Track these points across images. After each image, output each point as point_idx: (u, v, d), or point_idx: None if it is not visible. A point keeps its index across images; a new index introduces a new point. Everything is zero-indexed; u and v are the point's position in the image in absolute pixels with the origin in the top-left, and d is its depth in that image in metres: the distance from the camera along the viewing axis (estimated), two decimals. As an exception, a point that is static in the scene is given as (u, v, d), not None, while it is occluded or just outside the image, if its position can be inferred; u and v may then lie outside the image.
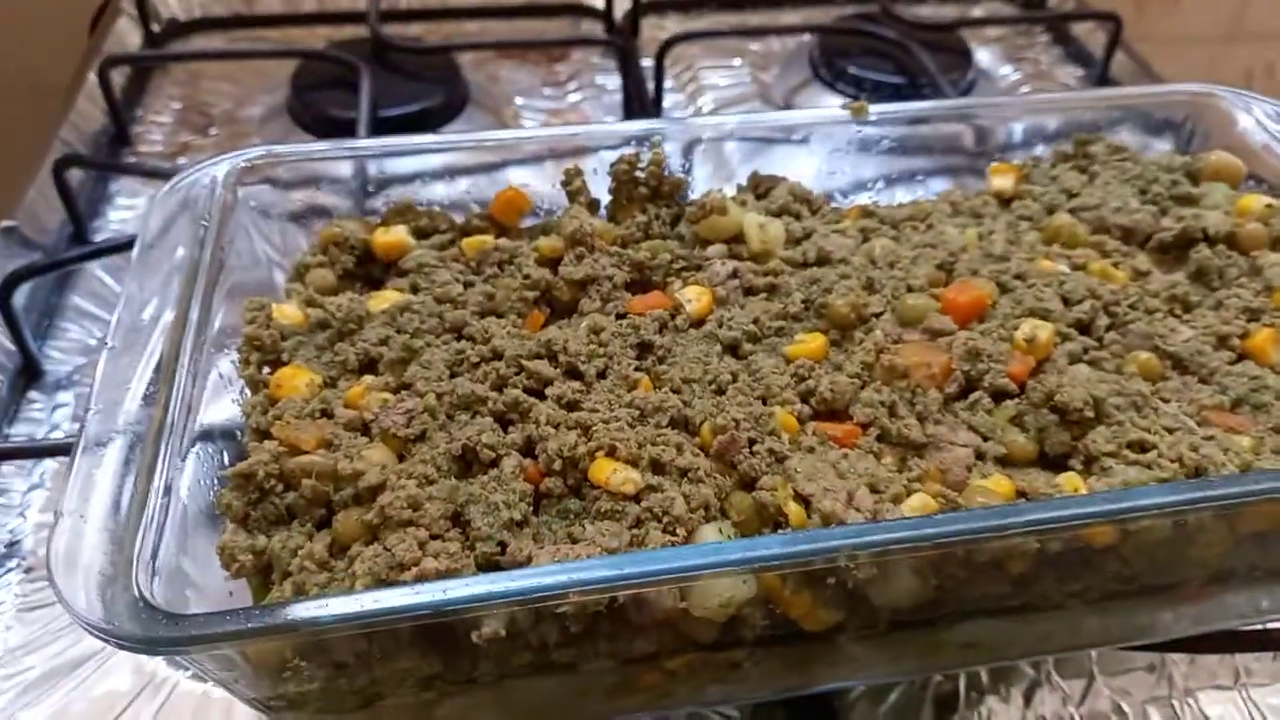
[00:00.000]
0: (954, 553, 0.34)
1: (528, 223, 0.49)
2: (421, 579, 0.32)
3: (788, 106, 0.88)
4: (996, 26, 0.96)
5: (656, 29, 0.99)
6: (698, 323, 0.43)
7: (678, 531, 0.34)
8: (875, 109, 0.50)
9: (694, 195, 0.49)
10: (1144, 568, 0.37)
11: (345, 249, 0.45)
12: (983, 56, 0.96)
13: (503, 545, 0.34)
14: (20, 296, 0.58)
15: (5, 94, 0.98)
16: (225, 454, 0.38)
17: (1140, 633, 0.43)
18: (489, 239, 0.45)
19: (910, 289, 0.44)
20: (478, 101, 0.85)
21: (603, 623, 0.33)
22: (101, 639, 0.28)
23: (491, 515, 0.34)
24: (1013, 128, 0.53)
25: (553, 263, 0.45)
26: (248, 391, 0.40)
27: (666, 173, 0.48)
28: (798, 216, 0.48)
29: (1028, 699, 0.49)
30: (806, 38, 0.92)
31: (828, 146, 0.51)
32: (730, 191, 0.50)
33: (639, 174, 0.48)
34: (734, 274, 0.45)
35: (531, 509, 0.36)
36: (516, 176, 0.50)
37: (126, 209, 0.74)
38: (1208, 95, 0.52)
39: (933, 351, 0.40)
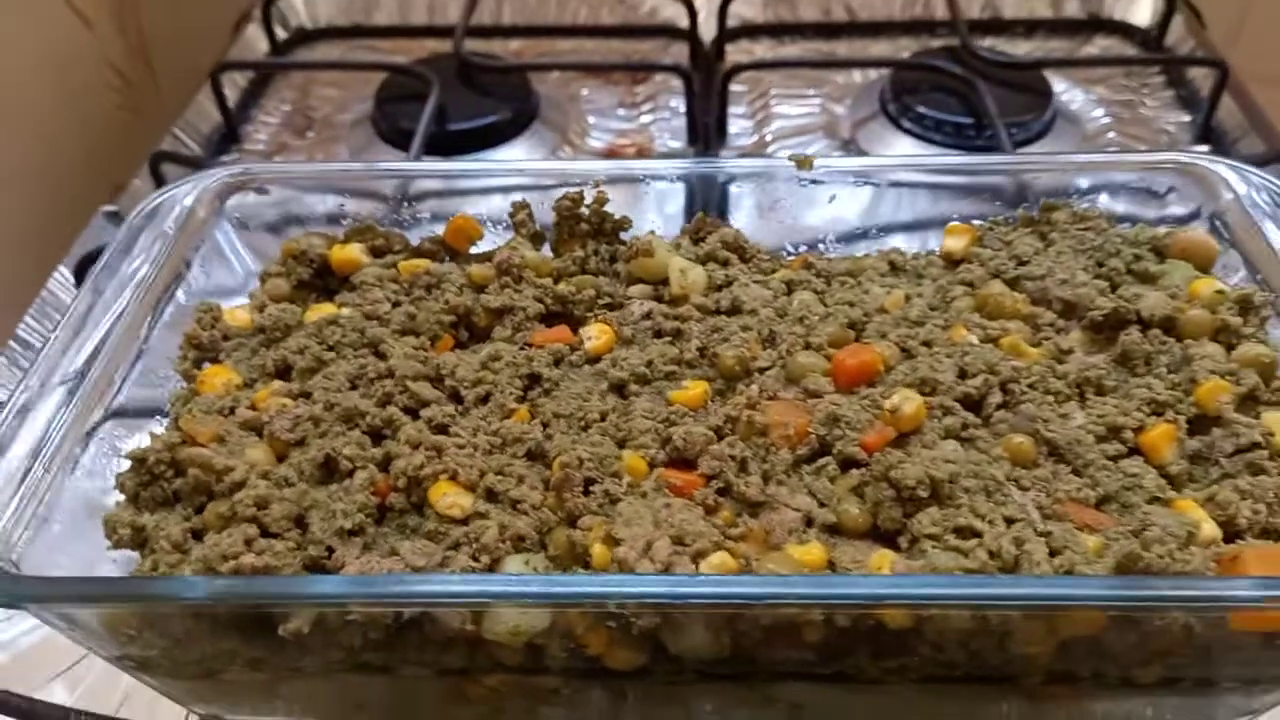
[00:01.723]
0: (737, 614, 0.34)
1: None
2: (237, 573, 0.35)
3: (851, 141, 0.87)
4: (1086, 68, 0.91)
5: (743, 53, 1.00)
6: (594, 359, 0.45)
7: (481, 558, 0.36)
8: (820, 163, 0.50)
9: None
10: (960, 657, 0.36)
11: (304, 262, 0.50)
12: (1074, 97, 0.91)
13: (331, 550, 0.37)
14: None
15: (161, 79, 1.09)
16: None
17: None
18: (423, 262, 0.49)
19: (809, 346, 0.44)
20: (545, 118, 0.89)
21: (403, 634, 0.36)
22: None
23: (327, 521, 0.38)
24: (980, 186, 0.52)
25: (482, 289, 0.48)
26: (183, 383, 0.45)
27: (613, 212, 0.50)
28: (725, 264, 0.49)
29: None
30: (884, 71, 0.91)
31: (777, 195, 0.52)
32: (673, 234, 0.51)
33: (582, 211, 0.50)
34: (648, 315, 0.47)
35: (376, 521, 0.39)
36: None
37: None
38: (1193, 165, 0.48)
39: (796, 412, 0.41)
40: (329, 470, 0.40)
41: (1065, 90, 0.92)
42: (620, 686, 0.39)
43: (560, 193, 0.49)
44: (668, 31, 1.01)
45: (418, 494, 0.39)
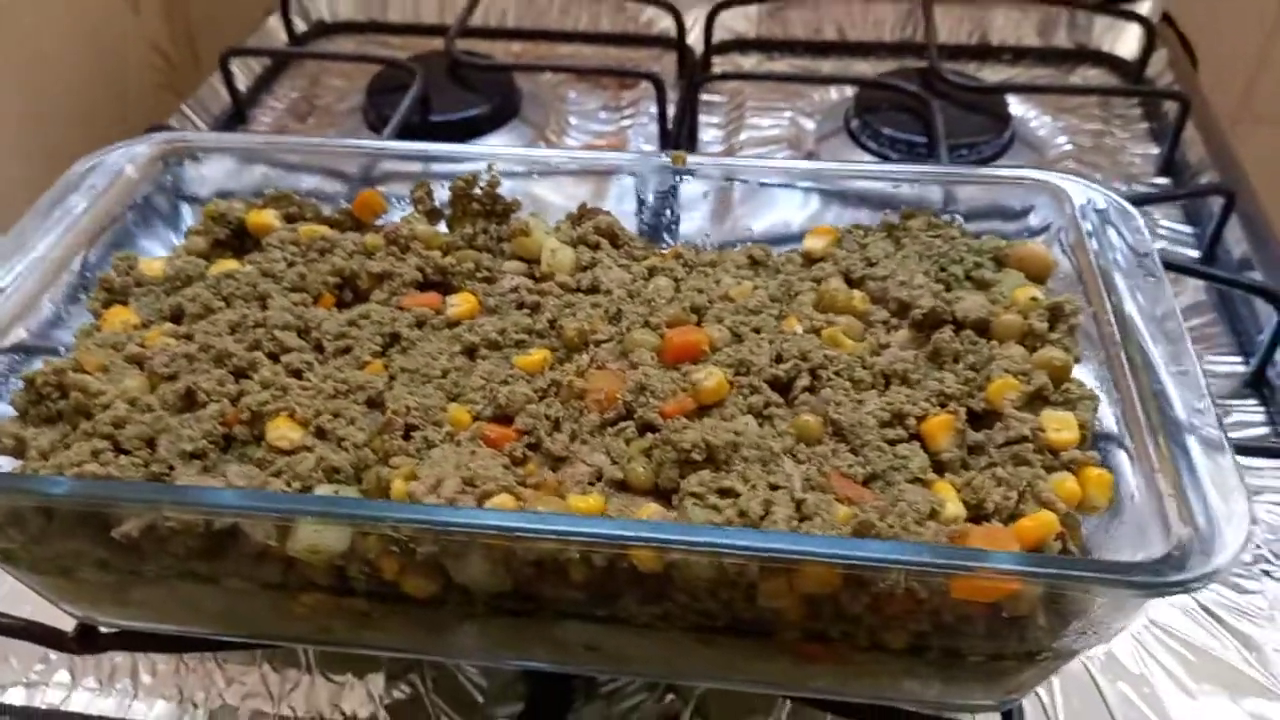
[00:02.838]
0: (503, 547, 0.38)
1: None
2: (79, 478, 0.40)
3: (812, 154, 0.90)
4: (1055, 94, 0.93)
5: (730, 65, 1.04)
6: (454, 324, 0.49)
7: (294, 485, 0.40)
8: (693, 159, 0.54)
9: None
10: (714, 607, 0.39)
11: (222, 223, 0.55)
12: (1043, 123, 0.93)
13: (172, 468, 0.42)
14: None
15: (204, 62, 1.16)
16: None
17: (771, 679, 0.44)
18: (321, 228, 0.53)
19: (648, 324, 0.47)
20: (526, 115, 0.94)
21: (221, 545, 0.40)
22: None
23: (173, 444, 0.42)
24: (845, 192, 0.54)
25: (371, 256, 0.52)
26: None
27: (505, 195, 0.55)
28: (595, 248, 0.53)
29: (752, 737, 0.51)
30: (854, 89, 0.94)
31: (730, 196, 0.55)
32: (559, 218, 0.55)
33: (475, 192, 0.54)
34: (515, 289, 0.51)
35: (222, 449, 0.44)
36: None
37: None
38: (1046, 181, 0.51)
39: (614, 380, 0.44)
40: (190, 401, 0.45)
41: (1035, 117, 0.94)
42: (424, 616, 0.43)
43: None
44: (661, 41, 1.05)
45: (259, 427, 0.43)
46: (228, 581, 0.43)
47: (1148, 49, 0.97)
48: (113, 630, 0.52)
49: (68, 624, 0.52)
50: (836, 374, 0.44)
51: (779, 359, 0.45)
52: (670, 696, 0.52)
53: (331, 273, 0.51)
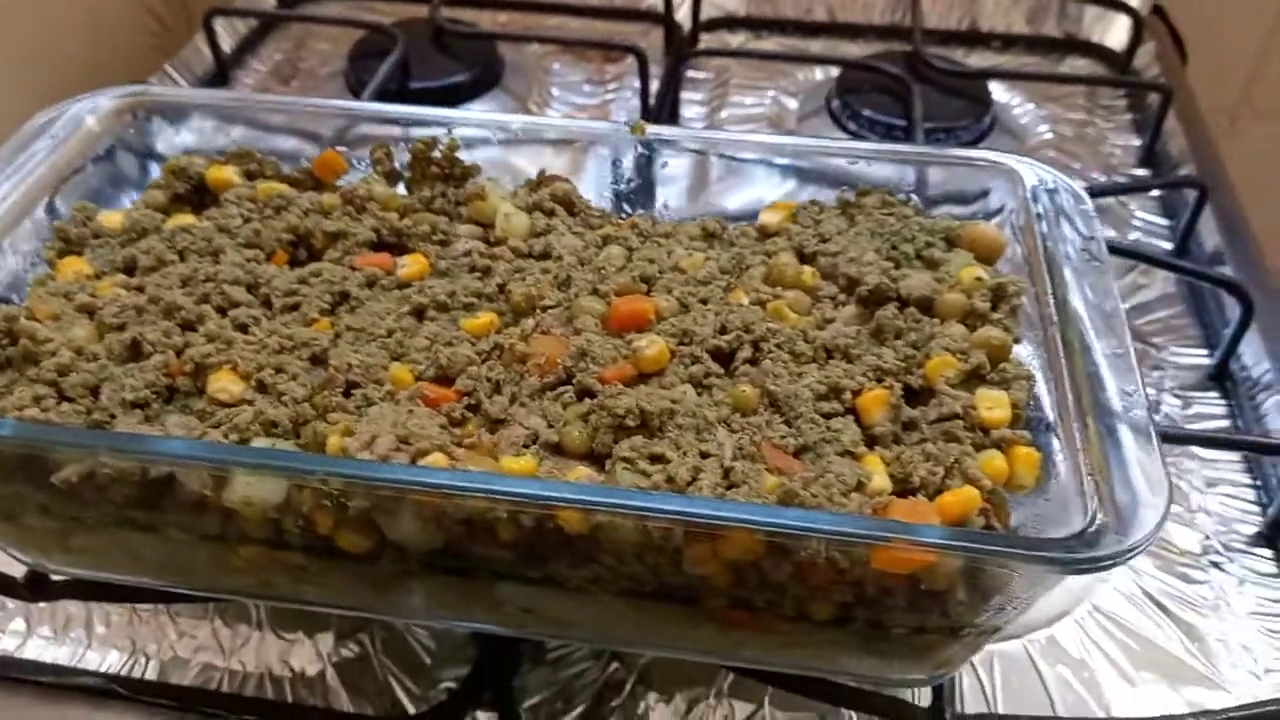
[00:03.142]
0: (439, 507, 0.38)
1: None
2: (24, 424, 0.41)
3: (792, 134, 0.90)
4: (1031, 82, 0.92)
5: (718, 42, 1.04)
6: (404, 285, 0.49)
7: (231, 436, 0.41)
8: (652, 129, 0.54)
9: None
10: (641, 571, 0.39)
11: (183, 177, 0.55)
12: (1025, 111, 0.93)
13: (113, 417, 0.42)
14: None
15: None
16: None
17: (702, 647, 0.45)
18: (279, 186, 0.54)
19: (596, 292, 0.48)
20: (507, 85, 0.94)
21: (158, 494, 0.41)
22: None
23: (115, 393, 0.43)
24: (808, 168, 0.54)
25: (328, 216, 0.53)
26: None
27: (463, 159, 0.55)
28: (550, 214, 0.53)
29: (690, 706, 0.52)
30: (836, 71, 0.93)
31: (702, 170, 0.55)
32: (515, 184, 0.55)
33: (434, 155, 0.54)
34: (467, 252, 0.51)
35: (166, 401, 0.44)
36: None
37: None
38: (1001, 163, 0.51)
39: (556, 345, 0.44)
40: (136, 351, 0.45)
41: (1019, 104, 0.94)
42: (360, 572, 0.43)
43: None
44: (649, 16, 1.05)
45: (202, 379, 0.44)
46: (167, 532, 0.43)
47: (1135, 41, 0.96)
48: (64, 579, 0.53)
49: (19, 571, 0.53)
50: (778, 346, 0.44)
51: (723, 330, 0.45)
52: (615, 665, 0.53)
53: (286, 230, 0.51)
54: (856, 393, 0.42)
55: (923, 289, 0.46)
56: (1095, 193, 0.79)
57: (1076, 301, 0.44)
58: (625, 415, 0.40)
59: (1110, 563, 0.33)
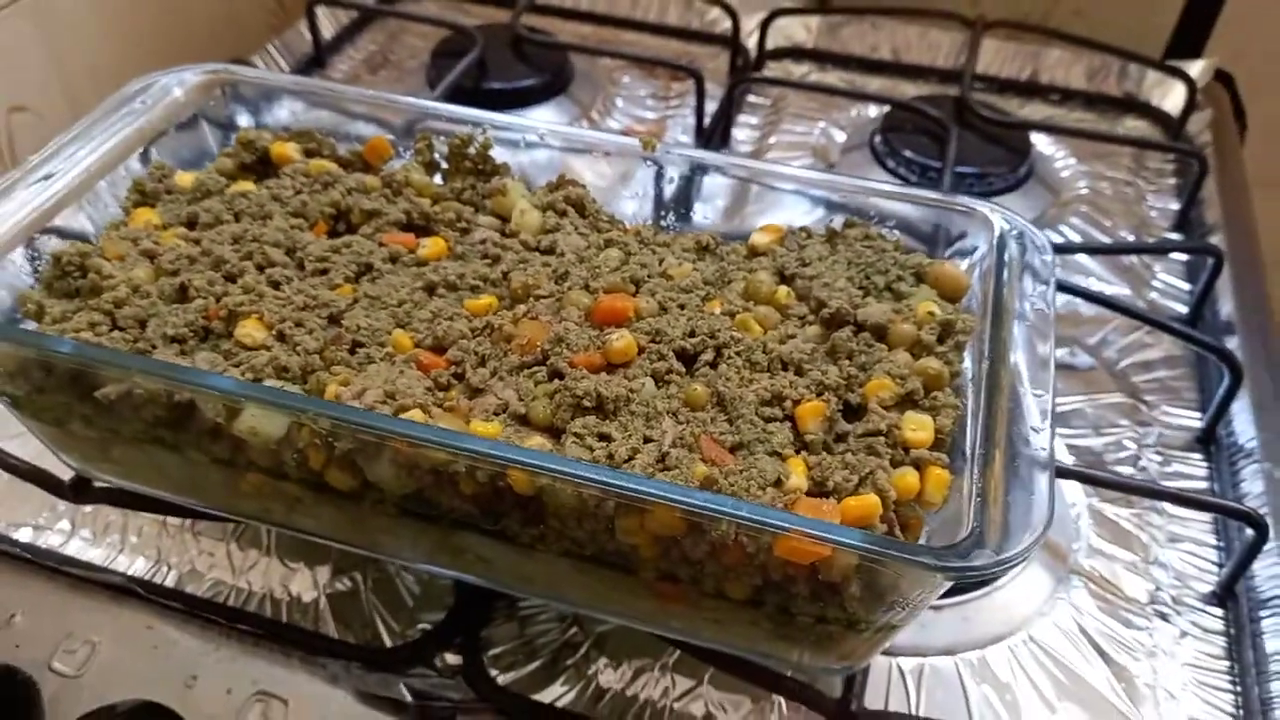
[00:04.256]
0: (411, 455, 0.44)
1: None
2: (79, 344, 0.48)
3: (834, 165, 0.94)
4: (1074, 139, 0.95)
5: (782, 71, 1.08)
6: (422, 264, 0.56)
7: (246, 375, 0.47)
8: (662, 145, 0.59)
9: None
10: (581, 535, 0.45)
11: (250, 149, 0.62)
12: (1068, 165, 0.95)
13: (154, 347, 0.49)
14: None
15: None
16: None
17: (637, 614, 0.50)
18: (329, 164, 0.60)
19: (587, 288, 0.53)
20: (573, 93, 1.00)
21: (182, 418, 0.48)
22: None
23: (159, 327, 0.50)
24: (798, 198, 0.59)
25: (367, 195, 0.59)
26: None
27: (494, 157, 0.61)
28: (563, 214, 0.58)
29: (636, 674, 0.57)
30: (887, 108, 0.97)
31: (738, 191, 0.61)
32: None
33: (469, 151, 0.60)
34: (483, 241, 0.57)
35: (201, 339, 0.51)
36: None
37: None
38: (975, 209, 0.54)
39: (539, 330, 0.50)
40: (183, 294, 0.52)
41: (1062, 158, 0.96)
42: (345, 506, 0.49)
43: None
44: (720, 40, 1.10)
45: (233, 324, 0.50)
46: (187, 452, 0.50)
47: (1189, 107, 0.98)
48: (104, 486, 0.60)
49: (66, 475, 0.60)
50: (737, 354, 0.49)
51: (691, 334, 0.50)
52: (574, 629, 0.58)
53: (329, 204, 0.58)
54: (797, 402, 0.47)
55: (879, 317, 0.50)
56: (1112, 250, 0.81)
57: (1016, 345, 0.47)
58: (583, 396, 0.45)
59: (974, 573, 0.37)
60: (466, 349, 0.49)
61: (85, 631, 0.57)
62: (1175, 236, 0.89)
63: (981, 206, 0.54)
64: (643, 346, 0.49)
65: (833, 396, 0.47)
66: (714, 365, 0.49)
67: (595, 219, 0.59)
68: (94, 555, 0.61)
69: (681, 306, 0.52)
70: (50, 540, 0.62)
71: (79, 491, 0.59)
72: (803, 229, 0.58)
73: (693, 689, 0.56)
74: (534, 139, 0.61)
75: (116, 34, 0.97)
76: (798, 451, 0.46)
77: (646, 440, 0.45)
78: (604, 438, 0.45)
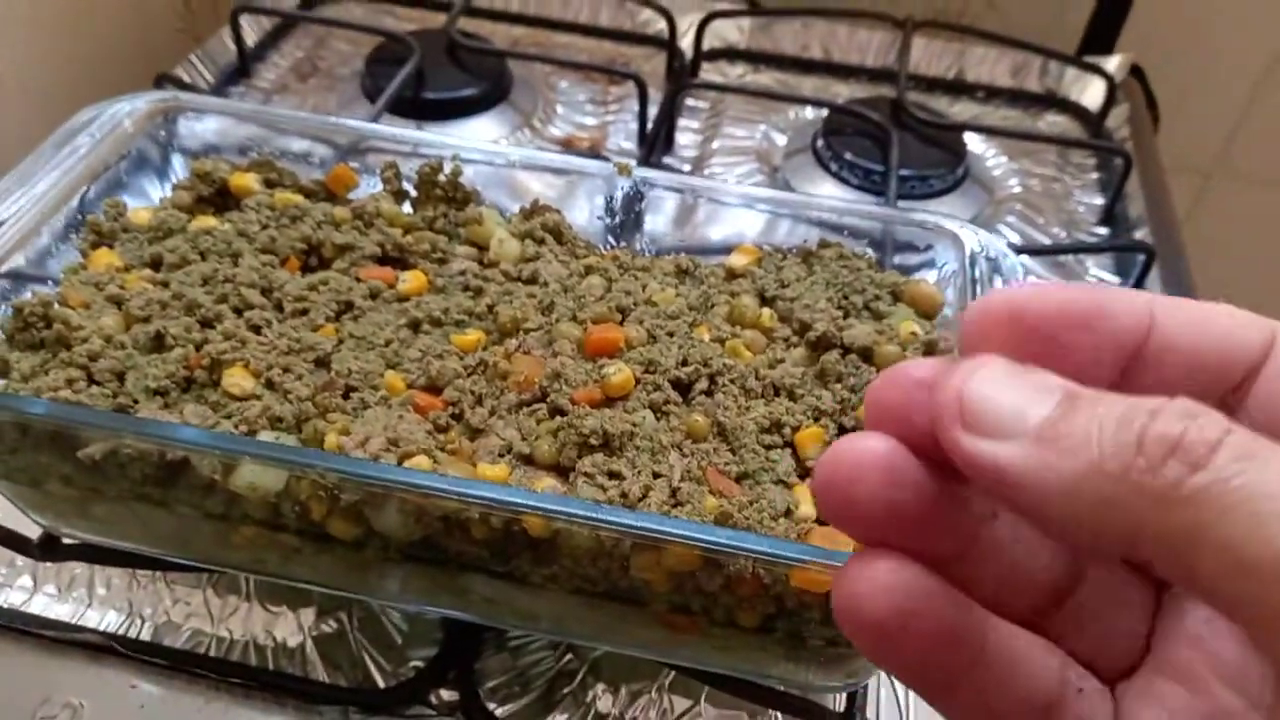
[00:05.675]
0: (420, 504, 0.44)
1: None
2: (54, 401, 0.46)
3: (777, 170, 0.95)
4: (1003, 138, 0.98)
5: (718, 73, 1.09)
6: (403, 299, 0.55)
7: (239, 428, 0.46)
8: (638, 172, 0.59)
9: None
10: (594, 573, 0.45)
11: (207, 181, 0.60)
12: (999, 164, 0.98)
13: (136, 402, 0.48)
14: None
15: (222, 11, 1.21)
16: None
17: (646, 645, 0.50)
18: (295, 197, 0.59)
19: (575, 318, 0.53)
20: (514, 101, 0.99)
21: (173, 474, 0.46)
22: None
23: (139, 380, 0.48)
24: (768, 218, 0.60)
25: (338, 228, 0.58)
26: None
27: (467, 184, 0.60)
28: (541, 242, 0.58)
29: (633, 698, 0.57)
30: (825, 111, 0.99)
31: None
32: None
33: (439, 179, 0.60)
34: (463, 272, 0.56)
35: (183, 390, 0.49)
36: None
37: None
38: (942, 225, 0.56)
39: (535, 366, 0.50)
40: (159, 343, 0.50)
41: (993, 156, 0.99)
42: (347, 555, 0.49)
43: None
44: (655, 41, 1.10)
45: (217, 373, 0.49)
46: (177, 508, 0.48)
47: (1109, 102, 1.02)
48: (74, 542, 0.58)
49: (33, 532, 0.58)
50: (731, 381, 0.50)
51: (684, 362, 0.51)
52: (569, 657, 0.58)
53: (300, 239, 0.57)
54: (796, 429, 0.48)
55: (864, 339, 0.51)
56: (1051, 251, 0.85)
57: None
58: (590, 435, 0.46)
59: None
60: (462, 388, 0.49)
61: (64, 694, 0.55)
62: (1103, 231, 0.93)
63: (951, 225, 0.56)
64: (638, 378, 0.50)
65: (829, 422, 0.48)
66: (709, 393, 0.50)
67: (573, 245, 0.59)
68: (61, 612, 0.59)
69: (670, 334, 0.53)
70: (12, 598, 0.59)
71: (48, 550, 0.57)
72: (777, 250, 0.59)
73: (690, 709, 0.57)
74: (504, 163, 0.61)
75: (31, 56, 0.92)
76: (801, 478, 0.47)
77: (656, 475, 0.45)
78: (614, 475, 0.45)
